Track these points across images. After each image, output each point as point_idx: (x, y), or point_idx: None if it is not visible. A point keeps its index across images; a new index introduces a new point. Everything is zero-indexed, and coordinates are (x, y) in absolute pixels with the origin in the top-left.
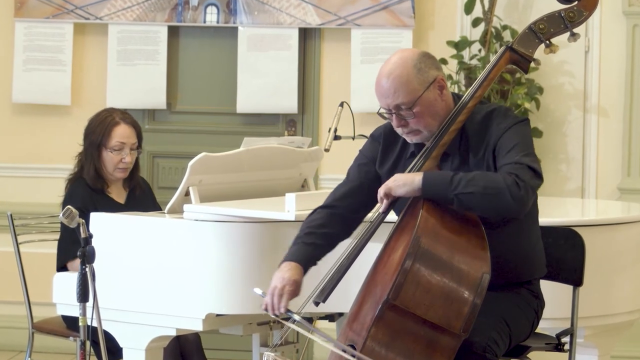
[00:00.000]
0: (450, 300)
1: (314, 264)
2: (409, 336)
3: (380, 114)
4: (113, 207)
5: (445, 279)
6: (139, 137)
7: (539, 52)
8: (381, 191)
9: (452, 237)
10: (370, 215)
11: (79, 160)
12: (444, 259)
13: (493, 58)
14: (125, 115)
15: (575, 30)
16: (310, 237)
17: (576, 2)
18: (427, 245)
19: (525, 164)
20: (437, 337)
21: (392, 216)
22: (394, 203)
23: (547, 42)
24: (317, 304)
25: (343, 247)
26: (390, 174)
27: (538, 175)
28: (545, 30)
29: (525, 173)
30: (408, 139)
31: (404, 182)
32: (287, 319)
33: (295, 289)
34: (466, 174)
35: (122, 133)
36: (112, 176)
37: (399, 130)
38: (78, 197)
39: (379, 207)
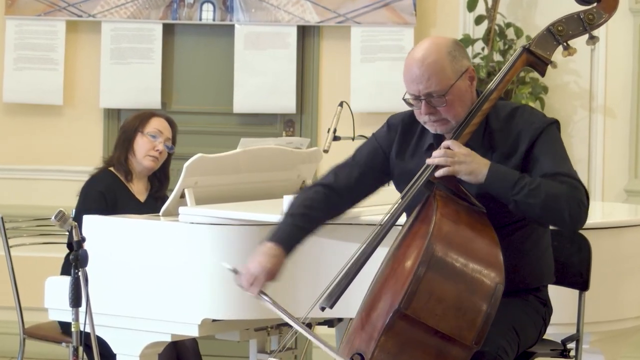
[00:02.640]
0: (463, 311)
1: (300, 245)
2: (419, 347)
3: (405, 100)
4: (133, 202)
5: (459, 289)
6: (174, 138)
7: (555, 54)
8: (442, 161)
9: (467, 246)
10: (381, 218)
11: (109, 158)
12: (457, 268)
13: (509, 59)
14: (166, 115)
15: (594, 33)
16: (303, 220)
17: (595, 4)
18: (441, 253)
19: (580, 181)
20: (447, 348)
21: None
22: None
23: (565, 44)
24: (323, 309)
25: (351, 251)
26: (403, 167)
27: (588, 197)
28: (564, 32)
29: (585, 195)
30: (432, 129)
31: (471, 170)
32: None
33: (268, 279)
34: (531, 180)
35: (160, 123)
36: (140, 164)
37: (424, 118)
38: (102, 184)
39: (425, 172)
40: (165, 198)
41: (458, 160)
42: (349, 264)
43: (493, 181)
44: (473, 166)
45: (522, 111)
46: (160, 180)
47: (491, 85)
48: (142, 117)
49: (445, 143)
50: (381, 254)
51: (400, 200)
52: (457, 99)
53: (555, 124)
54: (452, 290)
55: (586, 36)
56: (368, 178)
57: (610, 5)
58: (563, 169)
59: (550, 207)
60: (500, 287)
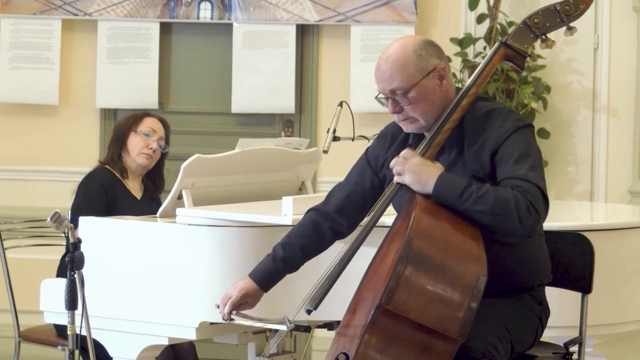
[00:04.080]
0: (444, 304)
1: (280, 278)
2: (403, 341)
3: (377, 99)
4: (130, 198)
5: (439, 282)
6: (167, 138)
7: (557, 44)
8: (396, 170)
9: (446, 239)
10: (364, 220)
11: (104, 157)
12: (437, 262)
13: (487, 54)
14: (157, 115)
15: (571, 24)
16: (284, 250)
17: None
18: (420, 247)
19: (535, 183)
20: (432, 342)
21: (384, 219)
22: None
23: (543, 36)
24: (309, 312)
25: (336, 252)
26: (388, 171)
27: (547, 201)
28: (541, 24)
29: (537, 198)
30: (404, 127)
31: (418, 180)
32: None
33: (241, 299)
34: (478, 187)
35: (153, 122)
36: (134, 162)
37: (395, 117)
38: (101, 176)
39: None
40: (161, 200)
41: (407, 169)
42: (332, 266)
43: (441, 191)
44: (421, 176)
45: (497, 113)
46: (154, 183)
47: (470, 81)
48: (135, 117)
49: (402, 152)
50: (371, 253)
51: (380, 201)
52: (422, 98)
53: (527, 127)
54: (433, 284)
55: (564, 28)
56: (357, 196)
57: None
58: (519, 173)
59: (498, 213)
60: (482, 278)
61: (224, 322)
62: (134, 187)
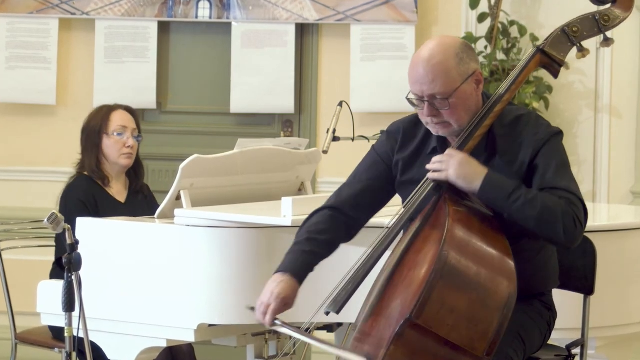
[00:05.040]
0: (475, 322)
1: (311, 270)
2: (429, 356)
3: (409, 100)
4: (113, 204)
5: (472, 299)
6: (138, 125)
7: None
8: (438, 166)
9: (480, 254)
10: (389, 221)
11: (78, 163)
12: (470, 278)
13: (522, 60)
14: (120, 104)
15: (608, 34)
16: (309, 244)
17: (610, 4)
18: (454, 260)
19: (579, 197)
20: (458, 359)
21: (383, 220)
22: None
23: (579, 45)
24: (327, 313)
25: (358, 255)
26: (404, 171)
27: (587, 214)
28: (579, 33)
29: (581, 211)
30: (434, 131)
31: (465, 176)
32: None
33: (281, 306)
34: (528, 191)
35: (121, 117)
36: (116, 165)
37: (427, 120)
38: (79, 190)
39: (426, 185)
40: (146, 188)
41: (453, 164)
42: (356, 268)
43: (488, 189)
44: (468, 172)
45: (527, 119)
46: (135, 170)
47: (503, 86)
48: (102, 117)
49: (447, 151)
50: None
51: (408, 203)
52: (461, 103)
53: (559, 134)
54: (465, 300)
55: (599, 38)
56: (372, 191)
57: (626, 5)
58: (562, 184)
59: (546, 220)
60: (513, 296)
61: (224, 324)
62: (118, 190)
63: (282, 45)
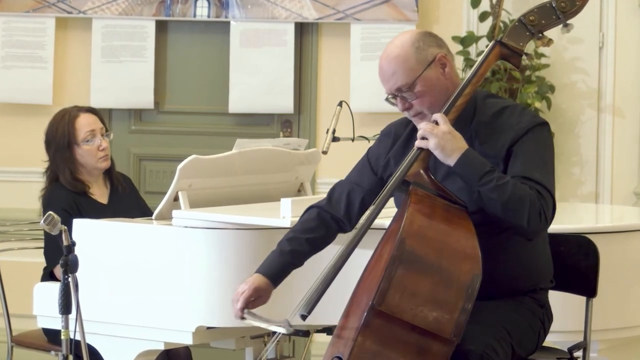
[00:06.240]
0: (438, 304)
1: (289, 271)
2: (398, 343)
3: (387, 101)
4: (96, 208)
5: (433, 282)
6: (103, 122)
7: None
8: (423, 133)
9: (440, 239)
10: (360, 222)
11: (48, 175)
12: (431, 262)
13: (483, 53)
14: (80, 107)
15: (569, 21)
16: (290, 243)
17: None
18: (412, 247)
19: (550, 191)
20: (427, 344)
21: (382, 221)
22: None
23: (539, 34)
24: (303, 317)
25: (330, 255)
26: (390, 171)
27: (555, 210)
28: (536, 22)
29: (549, 206)
30: (417, 124)
31: (443, 148)
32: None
33: (254, 294)
34: (501, 176)
35: (86, 121)
36: (95, 169)
37: (406, 114)
38: (61, 199)
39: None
40: (121, 177)
41: (435, 134)
42: (326, 269)
43: (463, 165)
44: (447, 144)
45: (512, 109)
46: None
47: (465, 80)
48: (66, 128)
49: (435, 115)
50: (367, 255)
51: (375, 202)
52: (428, 90)
53: (544, 125)
54: (427, 284)
55: (560, 25)
56: (360, 193)
57: None
58: (536, 175)
59: (512, 208)
60: (477, 278)
61: (222, 327)
62: (100, 192)
63: (281, 45)
